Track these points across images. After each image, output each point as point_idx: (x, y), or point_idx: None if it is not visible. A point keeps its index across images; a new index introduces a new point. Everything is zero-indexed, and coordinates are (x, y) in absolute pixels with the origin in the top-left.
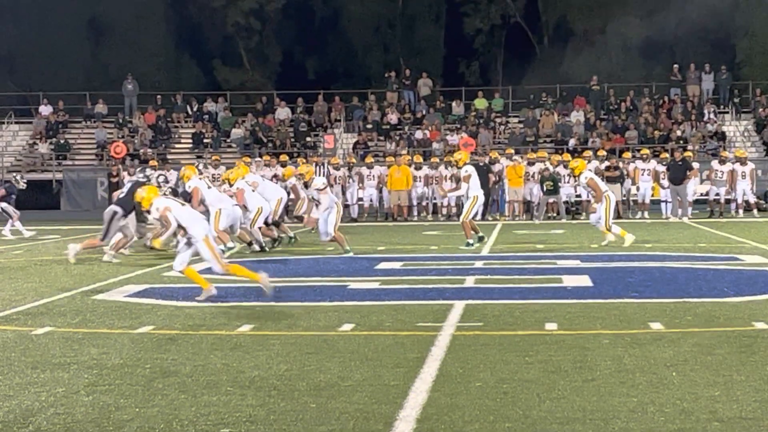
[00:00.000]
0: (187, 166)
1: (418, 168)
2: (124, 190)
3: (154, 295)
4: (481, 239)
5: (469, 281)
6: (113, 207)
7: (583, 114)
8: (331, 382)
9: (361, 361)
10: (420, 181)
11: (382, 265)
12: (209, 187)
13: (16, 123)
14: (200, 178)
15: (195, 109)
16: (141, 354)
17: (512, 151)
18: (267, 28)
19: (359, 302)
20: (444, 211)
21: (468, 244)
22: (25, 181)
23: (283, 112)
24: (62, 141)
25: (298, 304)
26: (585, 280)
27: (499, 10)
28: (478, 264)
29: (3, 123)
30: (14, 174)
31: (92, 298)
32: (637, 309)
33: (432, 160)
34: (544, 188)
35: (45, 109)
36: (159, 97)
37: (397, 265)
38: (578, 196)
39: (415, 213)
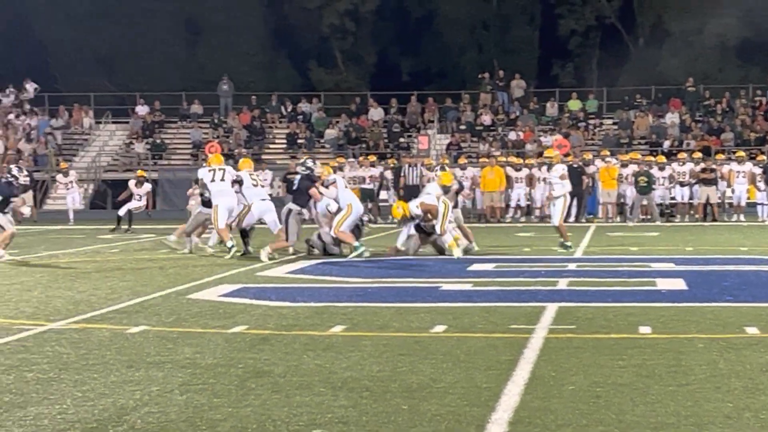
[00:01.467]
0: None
1: (518, 169)
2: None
3: (247, 295)
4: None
5: (562, 283)
6: (288, 205)
7: (678, 115)
8: (423, 383)
9: (454, 363)
10: (520, 182)
11: (475, 267)
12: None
13: (113, 123)
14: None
15: (289, 109)
16: (234, 354)
17: (606, 152)
18: (362, 29)
19: (451, 303)
20: (537, 212)
21: (565, 246)
22: (25, 174)
23: (376, 113)
24: (158, 141)
25: (391, 305)
26: (679, 284)
27: (594, 11)
28: (571, 266)
29: (100, 123)
30: (10, 165)
31: (186, 297)
32: (732, 313)
33: (526, 161)
34: (638, 184)
35: (141, 109)
36: (254, 97)
37: (489, 266)
38: (672, 198)
39: (510, 214)
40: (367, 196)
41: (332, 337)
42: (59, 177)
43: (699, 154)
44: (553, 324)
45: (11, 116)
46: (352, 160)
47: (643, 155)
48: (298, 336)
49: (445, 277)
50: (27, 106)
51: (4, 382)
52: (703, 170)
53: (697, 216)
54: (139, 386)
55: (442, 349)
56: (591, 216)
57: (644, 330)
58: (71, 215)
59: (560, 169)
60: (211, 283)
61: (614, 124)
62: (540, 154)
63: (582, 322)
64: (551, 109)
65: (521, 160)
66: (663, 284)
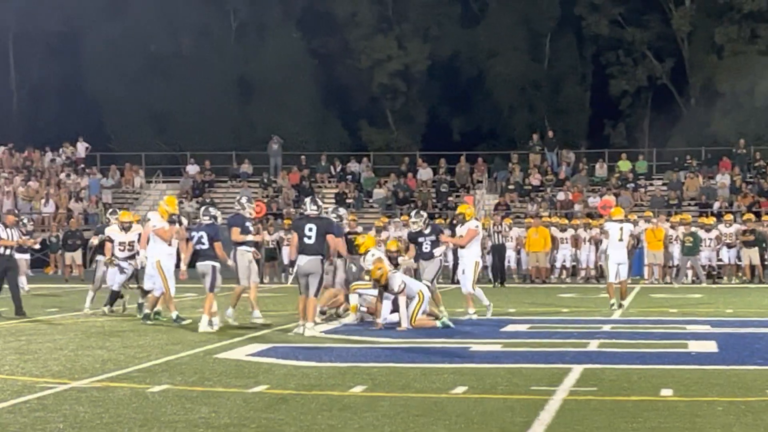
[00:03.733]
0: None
1: (564, 230)
2: None
3: (275, 355)
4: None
5: (593, 345)
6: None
7: (728, 177)
8: None
9: (466, 425)
10: (566, 242)
11: (509, 328)
12: None
13: (164, 182)
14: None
15: (338, 169)
16: (250, 413)
17: (650, 213)
18: (412, 89)
19: (477, 364)
20: (583, 273)
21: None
22: (34, 241)
23: (425, 173)
24: (207, 200)
25: (417, 365)
26: (711, 346)
27: (646, 71)
28: (606, 327)
29: (151, 182)
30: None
31: (214, 357)
32: (757, 376)
33: (573, 221)
34: (684, 245)
35: (192, 168)
36: (303, 157)
37: (523, 327)
38: (720, 260)
39: (555, 274)
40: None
41: (351, 397)
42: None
43: (750, 215)
44: (575, 386)
45: (62, 175)
46: (397, 220)
47: (693, 217)
48: (317, 396)
49: (477, 337)
50: (79, 166)
51: None
52: (744, 232)
53: (744, 278)
54: None
55: (458, 410)
56: (637, 277)
57: (665, 392)
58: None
59: (605, 227)
60: (242, 342)
61: (664, 185)
62: (589, 216)
63: (605, 384)
64: (600, 169)
65: (566, 221)
66: (694, 346)
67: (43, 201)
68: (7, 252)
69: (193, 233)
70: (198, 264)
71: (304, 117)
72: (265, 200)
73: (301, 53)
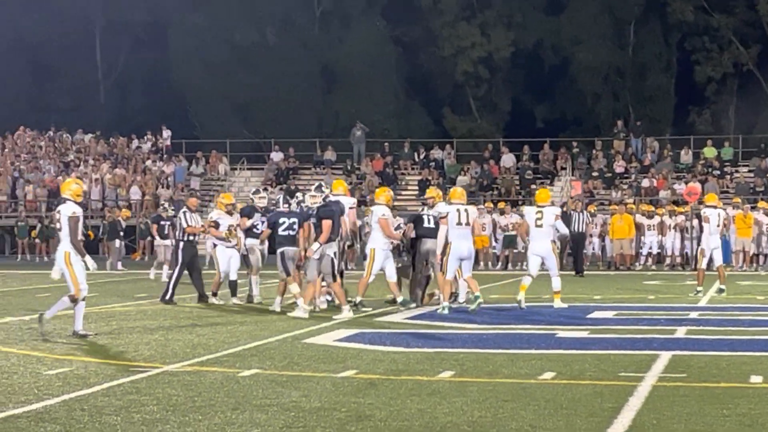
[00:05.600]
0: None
1: (650, 217)
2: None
3: (362, 340)
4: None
5: (680, 332)
6: None
7: None
8: (522, 430)
9: (556, 410)
10: (652, 229)
11: (595, 314)
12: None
13: (248, 169)
14: None
15: (422, 156)
16: (340, 398)
17: (738, 200)
18: (496, 77)
19: (564, 351)
20: (668, 260)
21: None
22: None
23: (508, 160)
24: (292, 187)
25: (504, 351)
26: None
27: (731, 57)
28: (693, 315)
29: (236, 169)
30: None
31: (303, 342)
32: None
33: (657, 210)
34: None
35: (276, 156)
36: (387, 144)
37: (609, 314)
38: None
39: (641, 262)
40: (509, 242)
41: (439, 382)
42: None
43: None
44: (664, 372)
45: (148, 162)
46: (481, 207)
47: None
48: (406, 381)
49: (562, 324)
50: (164, 153)
51: (111, 423)
52: None
53: None
54: (242, 428)
55: (547, 396)
56: (724, 264)
57: (755, 379)
58: (206, 260)
59: (704, 212)
60: (329, 328)
61: (750, 171)
62: (674, 203)
63: (693, 370)
64: (686, 156)
65: (652, 208)
66: None
67: (129, 187)
68: (194, 239)
69: (283, 219)
70: (288, 249)
71: (388, 105)
72: (349, 187)
73: (384, 41)
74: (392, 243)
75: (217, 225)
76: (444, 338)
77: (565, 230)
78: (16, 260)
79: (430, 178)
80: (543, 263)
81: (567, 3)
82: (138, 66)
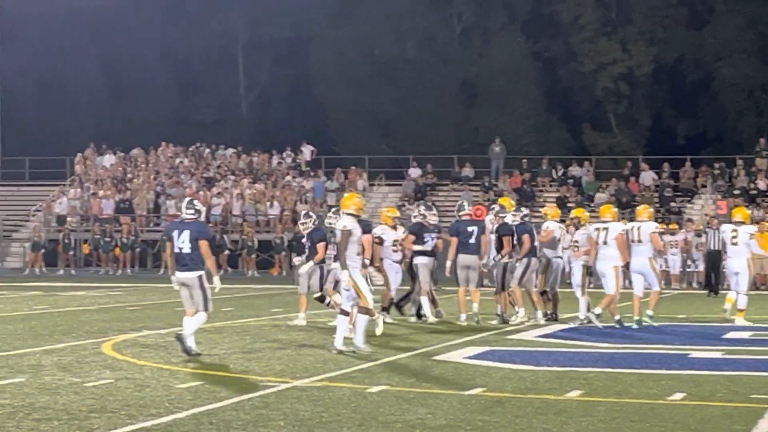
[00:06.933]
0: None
1: None
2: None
3: (492, 358)
4: None
5: None
6: None
7: None
8: None
9: (683, 431)
10: None
11: (730, 335)
12: None
13: (386, 185)
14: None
15: (560, 173)
16: (466, 416)
17: None
18: (636, 93)
19: (696, 371)
20: None
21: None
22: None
23: (647, 177)
24: (429, 203)
25: (634, 371)
26: None
27: None
28: None
29: (374, 185)
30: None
31: (432, 359)
32: None
33: None
34: None
35: (414, 171)
36: (525, 160)
37: (745, 334)
38: None
39: None
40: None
41: (567, 401)
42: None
43: None
44: None
45: (288, 178)
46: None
47: None
48: (533, 400)
49: (696, 344)
50: (303, 168)
51: None
52: None
53: None
54: None
55: (675, 417)
56: None
57: None
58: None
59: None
60: (459, 345)
61: None
62: None
63: None
64: None
65: None
66: None
67: (268, 203)
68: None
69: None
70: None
71: (527, 120)
72: (486, 203)
73: (524, 57)
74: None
75: (381, 241)
76: (574, 357)
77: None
78: (158, 273)
79: (568, 195)
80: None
81: (710, 17)
82: (279, 81)
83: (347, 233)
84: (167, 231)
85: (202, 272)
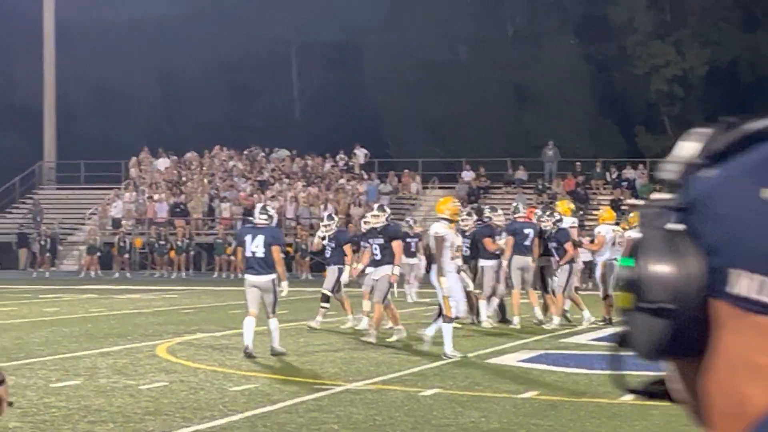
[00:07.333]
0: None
1: None
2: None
3: (546, 361)
4: None
5: None
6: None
7: None
8: None
9: None
10: None
11: None
12: None
13: (439, 188)
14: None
15: (614, 176)
16: (520, 419)
17: None
18: (690, 95)
19: None
20: None
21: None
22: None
23: None
24: (482, 206)
25: None
26: None
27: None
28: None
29: (427, 188)
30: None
31: (485, 361)
32: None
33: None
34: None
35: (467, 175)
36: (578, 163)
37: None
38: None
39: None
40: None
41: (621, 405)
42: None
43: None
44: None
45: (342, 181)
46: None
47: None
48: (587, 404)
49: None
50: (357, 171)
51: None
52: None
53: None
54: None
55: None
56: None
57: None
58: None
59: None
60: (512, 348)
61: None
62: None
63: None
64: None
65: None
66: None
67: (322, 206)
68: None
69: None
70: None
71: (580, 123)
72: (540, 206)
73: (576, 60)
74: None
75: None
76: (630, 360)
77: None
78: (212, 276)
79: (622, 197)
80: None
81: (765, 19)
82: (332, 85)
83: (440, 239)
84: (239, 235)
85: (275, 276)
